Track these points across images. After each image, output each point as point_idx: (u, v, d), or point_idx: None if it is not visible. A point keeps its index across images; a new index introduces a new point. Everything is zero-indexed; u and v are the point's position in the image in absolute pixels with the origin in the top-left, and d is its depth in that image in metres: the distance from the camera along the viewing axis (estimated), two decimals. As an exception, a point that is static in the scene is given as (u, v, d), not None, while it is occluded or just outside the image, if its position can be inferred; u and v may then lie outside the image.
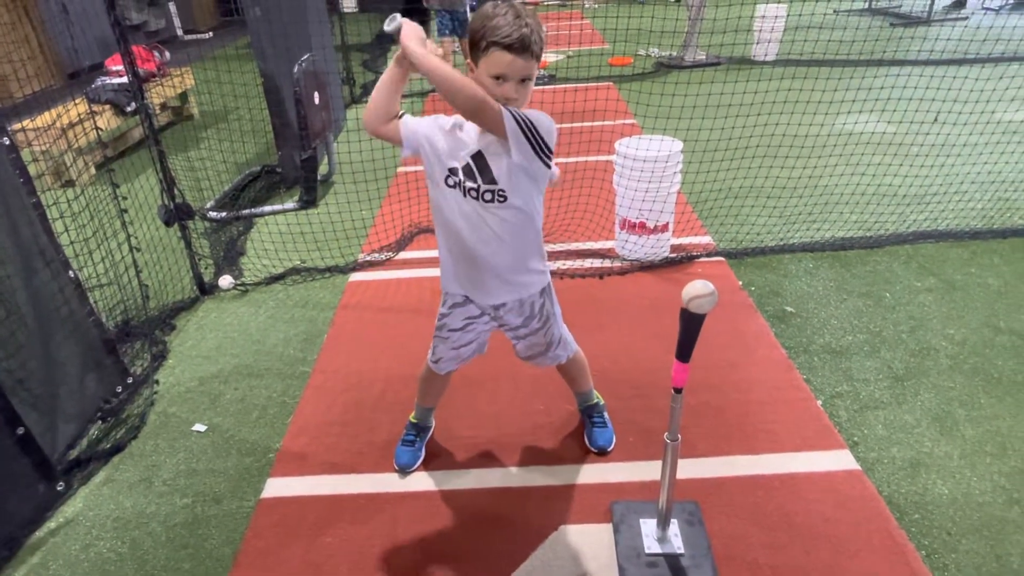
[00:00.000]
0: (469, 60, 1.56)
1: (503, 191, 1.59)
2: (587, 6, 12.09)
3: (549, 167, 1.60)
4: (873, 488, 1.95)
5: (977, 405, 2.26)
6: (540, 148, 1.54)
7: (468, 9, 6.26)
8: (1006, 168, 3.79)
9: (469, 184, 1.60)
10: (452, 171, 1.62)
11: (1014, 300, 2.81)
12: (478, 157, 1.58)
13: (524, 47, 1.45)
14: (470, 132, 1.61)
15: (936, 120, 4.02)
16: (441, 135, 1.63)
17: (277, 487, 2.09)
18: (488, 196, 1.60)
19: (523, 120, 1.50)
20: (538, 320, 1.84)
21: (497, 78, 1.48)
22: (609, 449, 2.12)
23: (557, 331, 1.91)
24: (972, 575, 1.70)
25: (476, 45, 1.50)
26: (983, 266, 3.08)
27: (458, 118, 1.61)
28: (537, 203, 1.67)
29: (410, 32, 1.50)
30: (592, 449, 2.13)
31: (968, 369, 2.43)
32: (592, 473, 2.06)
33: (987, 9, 9.12)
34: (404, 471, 2.10)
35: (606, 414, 2.20)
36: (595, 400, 2.19)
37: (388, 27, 1.52)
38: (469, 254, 1.69)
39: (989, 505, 1.89)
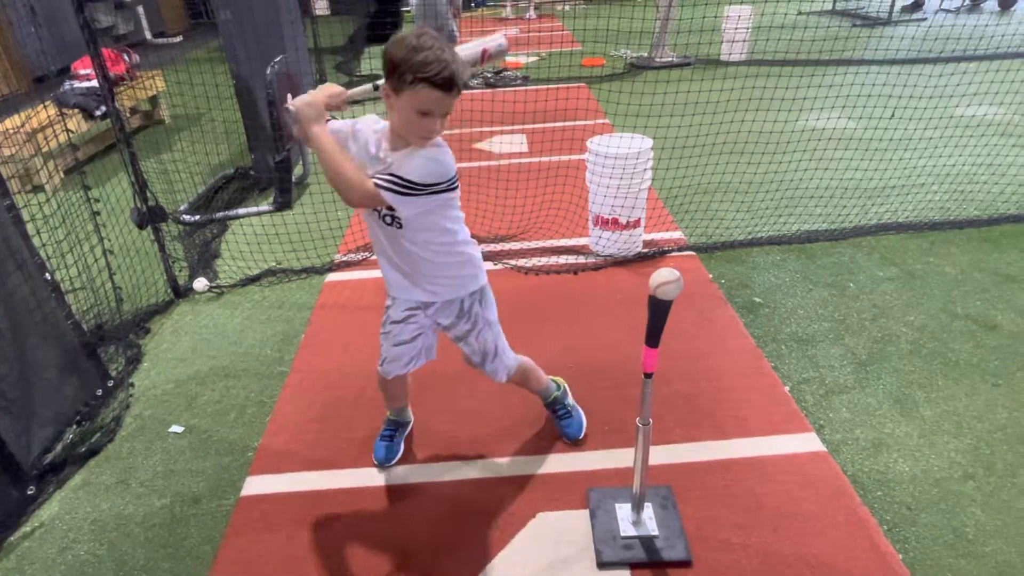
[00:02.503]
0: (386, 86, 1.50)
1: (402, 221, 1.61)
2: (559, 8, 12.19)
3: (449, 190, 1.58)
4: (838, 468, 2.03)
5: (935, 387, 2.36)
6: (427, 191, 1.54)
7: (454, 28, 6.31)
8: (961, 162, 3.93)
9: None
10: None
11: (970, 287, 2.93)
12: None
13: (453, 84, 1.44)
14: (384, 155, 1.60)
15: (892, 116, 4.16)
16: (363, 149, 1.63)
17: (256, 485, 2.10)
18: (389, 220, 1.63)
19: (399, 184, 1.50)
20: (467, 322, 1.84)
21: (423, 114, 1.47)
22: (581, 437, 2.17)
23: (492, 340, 1.90)
24: (930, 546, 1.78)
25: (401, 77, 1.43)
26: (941, 255, 3.20)
27: (380, 141, 1.61)
28: (450, 224, 1.68)
29: (307, 113, 1.55)
30: (567, 441, 2.18)
31: (927, 353, 2.53)
32: (568, 462, 2.11)
33: (944, 10, 9.42)
34: (382, 465, 2.13)
35: (569, 400, 2.23)
36: (554, 393, 2.21)
37: (289, 118, 1.59)
38: (391, 260, 1.73)
39: (946, 480, 1.98)
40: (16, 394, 2.11)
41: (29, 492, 2.07)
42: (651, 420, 1.68)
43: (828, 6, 10.10)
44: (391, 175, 1.52)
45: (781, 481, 1.99)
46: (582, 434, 2.18)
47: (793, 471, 2.02)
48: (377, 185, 1.51)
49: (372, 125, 1.66)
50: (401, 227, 1.64)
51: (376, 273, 3.30)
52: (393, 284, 1.81)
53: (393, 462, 2.14)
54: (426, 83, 1.42)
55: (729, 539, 1.82)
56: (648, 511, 1.88)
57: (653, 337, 1.55)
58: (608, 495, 1.95)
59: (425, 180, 1.54)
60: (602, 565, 1.77)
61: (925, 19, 8.88)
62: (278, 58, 3.80)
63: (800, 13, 9.64)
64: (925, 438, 2.14)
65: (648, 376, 1.61)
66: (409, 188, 1.52)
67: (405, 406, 2.21)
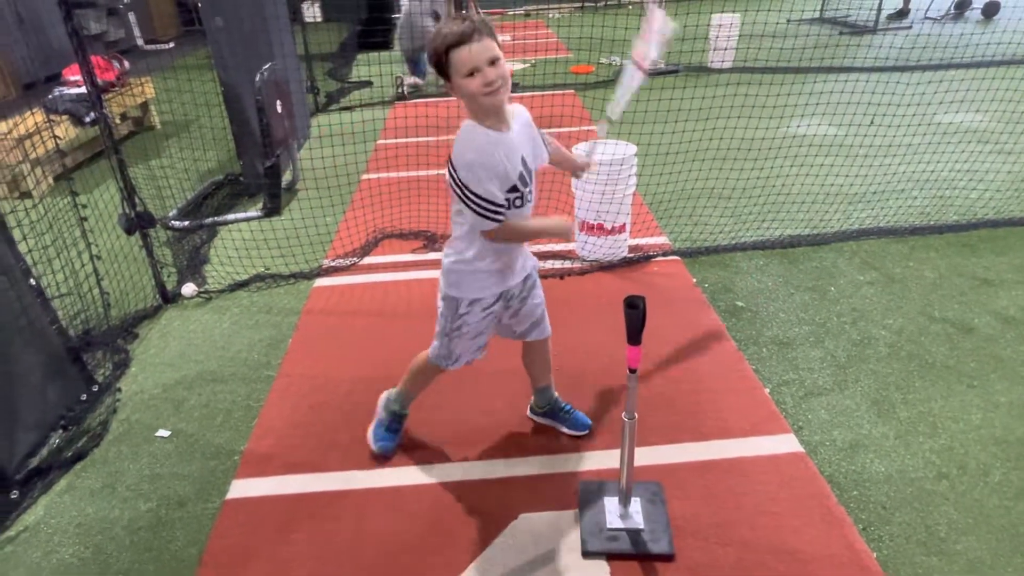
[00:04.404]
0: (445, 83, 1.63)
1: (532, 194, 1.82)
2: (552, 16, 12.28)
3: (472, 208, 1.68)
4: (815, 468, 2.07)
5: (912, 389, 2.40)
6: (461, 194, 1.68)
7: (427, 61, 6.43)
8: (940, 167, 4.00)
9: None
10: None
11: (948, 291, 2.98)
12: None
13: (471, 33, 1.55)
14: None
15: (872, 123, 4.23)
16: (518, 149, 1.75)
17: (242, 488, 2.11)
18: (520, 202, 1.80)
19: (457, 184, 1.68)
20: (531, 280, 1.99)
21: (470, 74, 1.57)
22: (590, 424, 2.24)
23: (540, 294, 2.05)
24: (903, 544, 1.82)
25: (440, 62, 1.59)
26: (920, 260, 3.26)
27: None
28: (467, 224, 1.77)
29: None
30: (579, 432, 2.22)
31: (904, 356, 2.58)
32: (554, 463, 2.14)
33: (929, 18, 9.56)
34: (388, 457, 2.18)
35: None
36: (555, 392, 2.26)
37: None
38: (509, 250, 1.86)
39: (920, 480, 2.02)
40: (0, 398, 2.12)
41: (12, 496, 2.08)
42: (636, 415, 1.72)
43: (816, 15, 10.23)
44: (521, 157, 1.69)
45: (760, 481, 2.02)
46: (590, 422, 2.23)
47: (772, 471, 2.06)
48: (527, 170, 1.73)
49: (487, 150, 1.69)
50: (528, 203, 1.77)
51: (363, 278, 3.34)
52: (508, 274, 1.87)
53: (392, 453, 2.20)
54: (452, 48, 1.55)
55: (708, 537, 1.85)
56: (636, 505, 1.91)
57: (633, 337, 1.59)
58: (598, 488, 1.99)
59: (461, 174, 1.66)
60: (587, 555, 1.80)
61: (910, 27, 9.02)
62: (267, 65, 3.83)
63: (789, 21, 9.75)
64: (901, 439, 2.18)
65: (633, 372, 1.65)
66: (458, 184, 1.68)
67: (415, 397, 2.24)
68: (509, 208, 1.71)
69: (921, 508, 1.93)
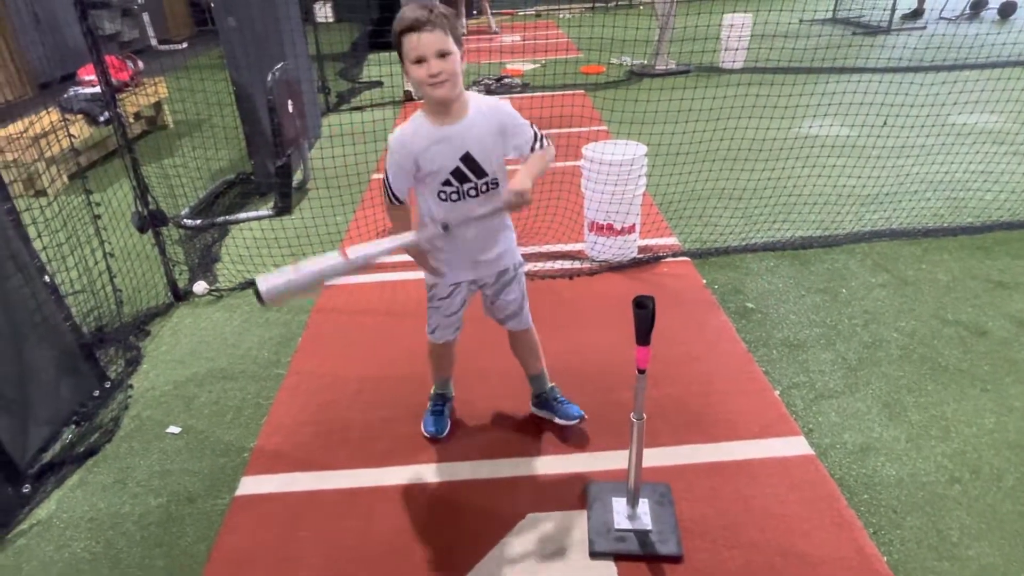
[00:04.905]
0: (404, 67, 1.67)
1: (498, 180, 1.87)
2: (562, 16, 12.28)
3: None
4: (825, 471, 2.05)
5: (924, 392, 2.38)
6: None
7: None
8: (954, 169, 3.96)
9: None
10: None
11: (961, 294, 2.95)
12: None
13: (424, 23, 1.57)
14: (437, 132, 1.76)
15: (885, 124, 4.19)
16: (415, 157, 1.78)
17: (251, 485, 2.13)
18: (486, 189, 1.85)
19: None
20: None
21: (418, 62, 1.61)
22: (584, 415, 2.24)
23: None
24: (914, 549, 1.80)
25: (396, 47, 1.64)
26: (934, 262, 3.22)
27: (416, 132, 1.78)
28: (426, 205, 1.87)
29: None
30: (569, 422, 2.23)
31: (917, 359, 2.55)
32: (562, 463, 2.13)
33: (944, 18, 9.47)
34: (435, 438, 2.23)
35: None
36: (551, 383, 2.29)
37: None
38: (477, 236, 1.91)
39: (932, 484, 2.00)
40: (14, 394, 2.15)
41: (24, 491, 2.10)
42: (645, 416, 1.71)
43: (829, 15, 10.16)
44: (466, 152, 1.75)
45: (768, 484, 2.01)
46: (583, 412, 2.24)
47: (781, 474, 2.05)
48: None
49: (403, 141, 1.76)
50: (468, 198, 1.80)
51: (373, 278, 3.35)
52: (458, 269, 1.95)
53: (444, 434, 2.24)
54: (404, 34, 1.60)
55: (716, 539, 1.84)
56: (644, 506, 1.91)
57: (642, 337, 1.58)
58: (607, 488, 1.99)
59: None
60: (594, 555, 1.80)
61: (924, 27, 8.93)
62: (278, 65, 3.86)
63: (801, 22, 9.68)
64: (912, 442, 2.16)
65: (642, 372, 1.65)
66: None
67: (450, 377, 2.31)
68: (446, 200, 1.79)
69: (933, 512, 1.91)
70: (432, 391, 2.33)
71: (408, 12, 1.60)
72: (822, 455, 2.12)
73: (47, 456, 2.26)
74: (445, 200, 1.79)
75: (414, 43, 1.59)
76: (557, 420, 2.25)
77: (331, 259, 1.64)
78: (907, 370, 2.49)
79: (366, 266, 1.67)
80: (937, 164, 4.00)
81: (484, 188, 1.80)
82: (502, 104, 1.81)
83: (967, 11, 9.64)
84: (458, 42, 1.64)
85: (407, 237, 1.74)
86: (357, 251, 1.65)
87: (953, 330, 2.70)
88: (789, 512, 1.91)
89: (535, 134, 1.84)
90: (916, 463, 2.08)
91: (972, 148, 4.32)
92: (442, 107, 1.71)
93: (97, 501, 2.11)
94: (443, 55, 1.60)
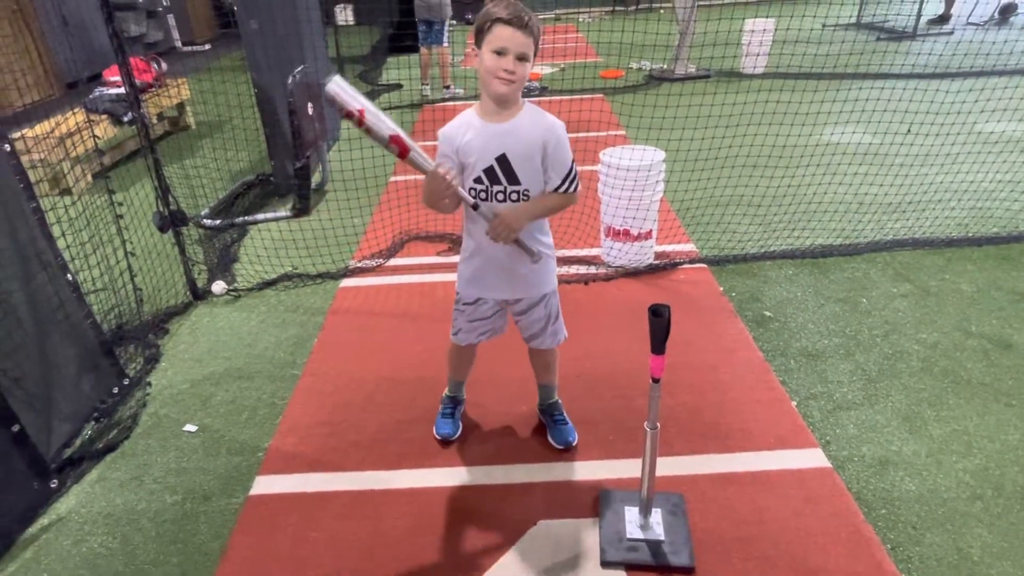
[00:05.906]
0: (473, 48, 1.73)
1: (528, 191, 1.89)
2: (582, 20, 12.26)
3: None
4: (843, 485, 2.02)
5: (945, 406, 2.33)
6: None
7: (442, 23, 6.61)
8: (980, 178, 3.89)
9: None
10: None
11: (985, 305, 2.89)
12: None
13: (521, 22, 1.62)
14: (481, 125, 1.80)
15: (909, 131, 4.13)
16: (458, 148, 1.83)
17: (265, 484, 2.14)
18: (515, 197, 1.87)
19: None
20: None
21: (498, 52, 1.64)
22: (574, 442, 2.20)
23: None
24: (934, 567, 1.77)
25: (480, 30, 1.68)
26: (957, 273, 3.16)
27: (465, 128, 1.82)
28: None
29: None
30: (558, 446, 2.20)
31: (938, 371, 2.50)
32: (574, 471, 2.12)
33: (972, 24, 9.30)
34: (446, 441, 2.24)
35: (565, 412, 2.28)
36: (557, 397, 2.29)
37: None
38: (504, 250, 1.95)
39: (953, 501, 1.96)
40: (38, 390, 2.19)
41: (52, 485, 2.14)
42: (659, 424, 1.70)
43: (853, 20, 10.03)
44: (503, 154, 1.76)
45: (784, 496, 1.98)
46: (575, 440, 2.21)
47: (797, 486, 2.02)
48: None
49: (449, 133, 1.81)
50: (495, 203, 1.83)
51: (389, 280, 3.37)
52: (487, 283, 1.99)
53: (456, 437, 2.25)
54: (498, 22, 1.63)
55: (729, 552, 1.81)
56: (656, 516, 1.89)
57: (657, 346, 1.57)
58: (619, 497, 1.97)
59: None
60: (605, 564, 1.79)
61: (951, 33, 8.79)
62: (299, 68, 3.89)
63: (824, 27, 9.57)
64: (933, 457, 2.12)
65: (656, 381, 1.63)
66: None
67: (463, 382, 2.32)
68: (475, 197, 1.81)
69: (953, 530, 1.87)
70: (444, 393, 2.34)
71: (511, 6, 1.64)
72: (839, 468, 2.08)
73: (68, 452, 2.30)
74: (475, 197, 1.81)
75: (506, 35, 1.62)
76: (549, 438, 2.24)
77: (389, 122, 1.71)
78: (928, 383, 2.45)
79: (403, 155, 1.72)
80: (963, 173, 3.92)
81: (515, 197, 1.80)
82: (558, 125, 1.79)
83: (995, 16, 9.47)
84: (534, 55, 1.70)
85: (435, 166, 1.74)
86: (403, 134, 1.71)
87: (976, 342, 2.65)
88: (805, 526, 1.88)
89: (570, 174, 1.82)
90: (936, 479, 2.04)
91: (999, 157, 4.24)
92: (497, 104, 1.74)
93: (114, 497, 2.14)
94: (522, 59, 1.66)
